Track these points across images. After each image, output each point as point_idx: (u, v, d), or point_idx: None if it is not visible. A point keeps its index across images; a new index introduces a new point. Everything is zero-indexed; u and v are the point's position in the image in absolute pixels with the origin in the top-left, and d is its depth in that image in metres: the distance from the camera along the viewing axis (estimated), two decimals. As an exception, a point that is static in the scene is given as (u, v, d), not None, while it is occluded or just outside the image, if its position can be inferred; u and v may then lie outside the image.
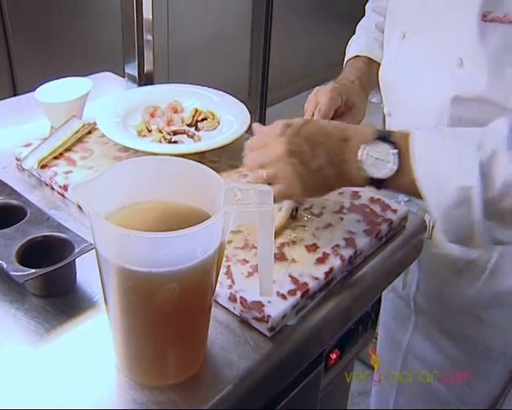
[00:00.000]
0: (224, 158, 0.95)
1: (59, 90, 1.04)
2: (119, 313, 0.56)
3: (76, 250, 0.68)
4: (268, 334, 0.65)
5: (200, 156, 0.91)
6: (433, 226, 0.96)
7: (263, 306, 0.65)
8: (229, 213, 0.54)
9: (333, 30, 3.97)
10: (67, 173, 0.88)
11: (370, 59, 1.05)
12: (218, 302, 0.68)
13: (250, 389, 0.61)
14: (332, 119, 0.92)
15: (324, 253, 0.75)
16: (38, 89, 1.03)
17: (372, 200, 0.86)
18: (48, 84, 1.05)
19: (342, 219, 0.81)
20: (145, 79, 1.28)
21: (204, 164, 0.58)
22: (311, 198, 0.84)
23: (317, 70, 3.87)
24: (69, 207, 0.84)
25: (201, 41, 2.87)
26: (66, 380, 0.59)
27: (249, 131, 1.00)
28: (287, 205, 0.82)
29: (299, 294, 0.68)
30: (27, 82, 1.29)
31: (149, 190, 0.59)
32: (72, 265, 0.69)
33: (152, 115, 1.04)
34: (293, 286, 0.69)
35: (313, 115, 0.92)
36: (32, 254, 0.68)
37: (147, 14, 1.22)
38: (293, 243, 0.76)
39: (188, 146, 0.97)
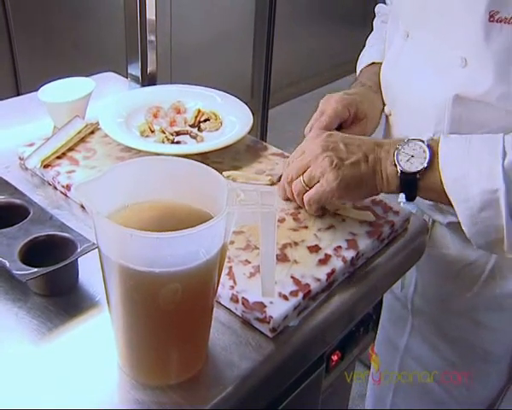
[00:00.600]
0: (227, 159, 0.95)
1: (62, 90, 1.04)
2: (122, 312, 0.56)
3: (78, 250, 0.68)
4: (269, 335, 0.65)
5: (202, 157, 0.91)
6: (432, 227, 0.97)
7: (265, 307, 0.65)
8: (232, 214, 0.54)
9: (335, 32, 3.98)
10: (70, 173, 0.88)
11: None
12: (219, 303, 0.68)
13: (251, 390, 0.61)
14: (339, 130, 0.90)
15: (326, 254, 0.75)
16: (41, 89, 1.03)
17: (374, 201, 0.86)
18: (51, 83, 1.05)
19: (344, 220, 0.81)
20: (148, 80, 1.28)
21: (207, 165, 0.59)
22: (345, 200, 0.83)
23: (319, 71, 3.88)
24: (72, 206, 0.84)
25: (204, 42, 2.87)
26: (67, 379, 0.59)
27: (251, 132, 1.00)
28: None
29: (300, 295, 0.68)
30: (30, 82, 1.29)
31: (152, 190, 0.59)
32: (74, 264, 0.69)
33: (155, 116, 1.05)
34: (294, 287, 0.69)
35: (314, 122, 0.91)
36: (35, 253, 0.68)
37: (150, 14, 1.22)
38: (296, 243, 0.76)
39: (190, 147, 0.97)
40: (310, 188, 0.78)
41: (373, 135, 0.96)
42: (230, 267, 0.71)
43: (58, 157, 0.92)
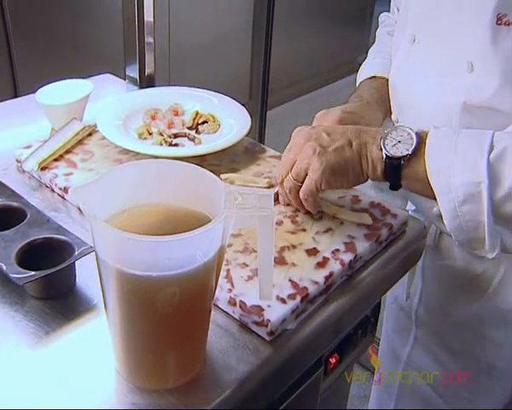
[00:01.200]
0: (225, 161, 0.95)
1: (59, 92, 1.04)
2: (119, 316, 0.56)
3: (76, 253, 0.68)
4: (267, 338, 0.65)
5: (200, 159, 0.91)
6: (439, 237, 0.95)
7: (262, 310, 0.65)
8: (230, 217, 0.54)
9: (333, 33, 3.98)
10: (68, 175, 0.88)
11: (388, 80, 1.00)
12: (217, 306, 0.68)
13: (249, 393, 0.61)
14: None
15: (324, 257, 0.75)
16: (39, 91, 1.03)
17: (372, 204, 0.86)
18: (48, 85, 1.05)
19: (342, 223, 0.81)
20: (146, 82, 1.28)
21: (204, 167, 0.58)
22: (333, 188, 0.82)
23: (317, 72, 3.88)
24: (69, 209, 0.84)
25: (202, 43, 2.87)
26: (64, 383, 0.59)
27: (250, 133, 1.00)
28: None
29: (298, 298, 0.67)
30: (28, 83, 1.29)
31: (150, 193, 0.59)
32: (71, 267, 0.69)
33: (153, 118, 1.04)
34: (292, 290, 0.68)
35: None
36: (32, 256, 0.68)
37: (148, 16, 1.22)
38: (293, 247, 0.76)
39: (188, 149, 0.97)
40: (300, 183, 0.77)
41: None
42: (228, 270, 0.71)
43: (55, 159, 0.92)
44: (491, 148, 0.69)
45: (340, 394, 0.98)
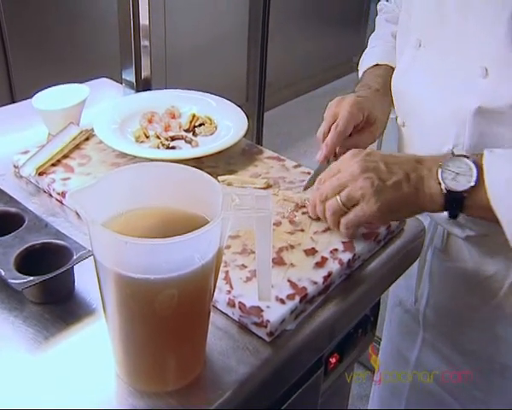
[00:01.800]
0: (222, 163, 0.95)
1: (56, 97, 1.04)
2: (118, 319, 0.56)
3: (74, 257, 0.68)
4: (267, 339, 0.65)
5: (197, 162, 0.91)
6: (447, 239, 0.95)
7: (261, 311, 0.65)
8: (227, 219, 0.54)
9: (329, 33, 3.99)
10: (65, 180, 0.88)
11: (392, 67, 0.99)
12: (216, 308, 0.68)
13: (249, 395, 0.61)
14: (350, 135, 0.87)
15: (323, 257, 0.75)
16: (35, 96, 1.03)
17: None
18: (45, 91, 1.05)
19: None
20: (142, 85, 1.28)
21: (202, 169, 0.58)
22: (385, 223, 0.81)
23: (313, 73, 3.89)
24: (67, 213, 0.84)
25: (198, 46, 2.88)
26: (64, 387, 0.59)
27: (247, 135, 1.00)
28: None
29: (297, 298, 0.68)
30: (25, 89, 1.29)
31: (147, 196, 0.59)
32: (70, 272, 0.69)
33: (149, 121, 1.04)
34: (291, 291, 0.69)
35: (327, 127, 0.88)
36: (31, 261, 0.68)
37: (144, 20, 1.22)
38: (292, 247, 0.76)
39: (185, 152, 0.97)
40: (346, 208, 0.74)
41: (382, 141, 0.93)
42: (227, 272, 0.71)
43: (53, 164, 0.92)
44: None
45: (340, 394, 0.98)
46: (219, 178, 0.89)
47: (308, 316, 0.69)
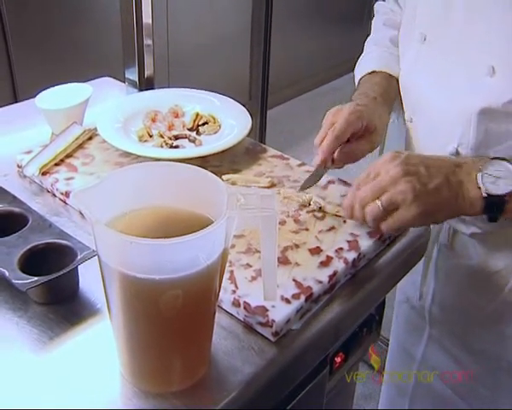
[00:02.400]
0: (226, 162, 0.95)
1: (59, 97, 1.04)
2: (122, 320, 0.56)
3: (78, 257, 0.68)
4: (272, 339, 0.64)
5: (201, 161, 0.91)
6: (453, 236, 0.94)
7: (267, 310, 0.65)
8: (233, 219, 0.54)
9: (332, 32, 3.98)
10: (69, 180, 0.88)
11: (389, 74, 0.98)
12: (221, 307, 0.68)
13: (255, 395, 0.61)
14: (347, 141, 0.86)
15: (328, 256, 0.74)
16: (39, 95, 1.03)
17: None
18: (48, 90, 1.05)
19: (345, 221, 0.81)
20: (145, 84, 1.27)
21: (205, 168, 0.58)
22: (424, 226, 0.80)
23: (316, 72, 3.88)
24: (71, 213, 0.84)
25: (201, 45, 2.87)
26: (69, 387, 0.59)
27: (250, 134, 1.00)
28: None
29: (302, 298, 0.67)
30: (28, 88, 1.29)
31: (151, 195, 0.59)
32: (74, 272, 0.69)
33: (153, 120, 1.04)
34: (296, 290, 0.68)
35: (324, 134, 0.85)
36: (35, 261, 0.68)
37: (146, 18, 1.21)
38: (297, 246, 0.76)
39: (189, 151, 0.96)
40: (387, 211, 0.73)
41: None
42: (232, 271, 0.70)
43: (56, 164, 0.91)
44: None
45: (345, 393, 0.98)
46: (223, 177, 0.88)
47: (313, 315, 0.69)
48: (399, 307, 1.13)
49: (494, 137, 0.78)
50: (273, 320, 0.64)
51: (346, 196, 0.79)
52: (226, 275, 0.69)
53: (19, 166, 0.93)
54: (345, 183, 0.91)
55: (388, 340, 1.20)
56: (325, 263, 0.73)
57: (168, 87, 1.16)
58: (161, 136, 0.99)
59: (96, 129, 0.99)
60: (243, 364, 0.61)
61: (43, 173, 0.89)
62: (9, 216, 0.77)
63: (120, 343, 0.58)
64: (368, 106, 0.89)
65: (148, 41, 1.24)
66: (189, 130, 1.03)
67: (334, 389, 0.86)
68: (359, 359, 0.92)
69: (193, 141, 1.00)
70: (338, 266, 0.73)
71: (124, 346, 0.58)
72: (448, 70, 0.82)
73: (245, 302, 0.66)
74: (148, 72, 1.27)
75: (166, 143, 0.97)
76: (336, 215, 0.82)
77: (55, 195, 0.88)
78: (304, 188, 0.86)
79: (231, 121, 1.03)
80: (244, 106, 1.07)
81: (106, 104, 1.10)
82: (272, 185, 0.89)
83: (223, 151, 0.94)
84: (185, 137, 1.01)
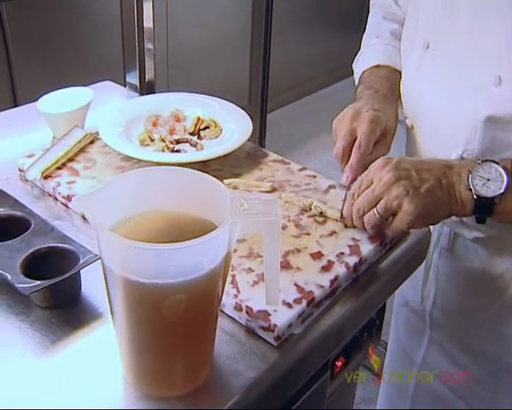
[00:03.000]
0: (227, 166, 0.95)
1: (61, 101, 1.04)
2: (126, 324, 0.56)
3: (81, 261, 0.68)
4: (274, 343, 0.65)
5: (202, 165, 0.91)
6: (453, 239, 0.94)
7: (269, 315, 0.65)
8: (236, 224, 0.54)
9: (331, 35, 3.99)
10: (71, 184, 0.88)
11: (394, 69, 0.97)
12: (223, 312, 0.68)
13: (257, 399, 0.61)
14: None
15: (329, 261, 0.74)
16: (40, 99, 1.03)
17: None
18: (49, 94, 1.05)
19: (346, 226, 0.81)
20: (146, 88, 1.28)
21: (207, 173, 0.58)
22: (422, 227, 0.80)
23: (316, 76, 3.89)
24: (73, 217, 0.84)
25: (201, 48, 2.88)
26: (71, 392, 0.59)
27: (252, 139, 1.00)
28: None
29: (304, 302, 0.67)
30: (28, 92, 1.29)
31: (155, 200, 0.59)
32: (77, 276, 0.69)
33: (154, 124, 1.04)
34: (298, 295, 0.68)
35: (346, 144, 0.83)
36: (37, 265, 0.68)
37: (148, 22, 1.22)
38: (298, 250, 0.76)
39: (190, 155, 0.97)
40: (384, 218, 0.74)
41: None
42: (234, 276, 0.71)
43: (58, 168, 0.92)
44: None
45: (346, 397, 0.98)
46: (225, 181, 0.89)
47: (315, 320, 0.69)
48: (399, 311, 1.13)
49: (500, 144, 0.78)
50: (275, 325, 0.64)
51: (344, 204, 0.80)
52: (228, 279, 0.69)
53: (20, 170, 0.93)
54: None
55: (386, 343, 1.20)
56: (326, 268, 0.73)
57: (167, 91, 1.17)
58: (163, 140, 0.99)
59: (97, 133, 0.99)
60: (245, 368, 0.62)
61: (45, 177, 0.89)
62: (11, 220, 0.77)
63: (123, 347, 0.58)
64: (384, 110, 0.87)
65: (149, 45, 1.25)
66: (191, 134, 1.03)
67: (334, 393, 0.86)
68: (360, 363, 0.92)
69: (194, 145, 1.00)
70: (339, 270, 0.73)
71: (126, 350, 0.58)
72: (452, 78, 0.82)
73: (247, 307, 0.66)
74: (148, 76, 1.28)
75: (168, 148, 0.97)
76: (337, 220, 0.82)
77: (56, 199, 0.88)
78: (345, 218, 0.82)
79: (232, 126, 1.04)
80: (243, 109, 1.07)
81: (107, 108, 1.10)
82: (273, 190, 0.89)
83: (224, 156, 0.94)
84: (186, 141, 1.01)
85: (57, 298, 0.68)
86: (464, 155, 0.81)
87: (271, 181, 0.91)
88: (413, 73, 0.90)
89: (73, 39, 2.26)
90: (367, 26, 1.08)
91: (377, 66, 0.98)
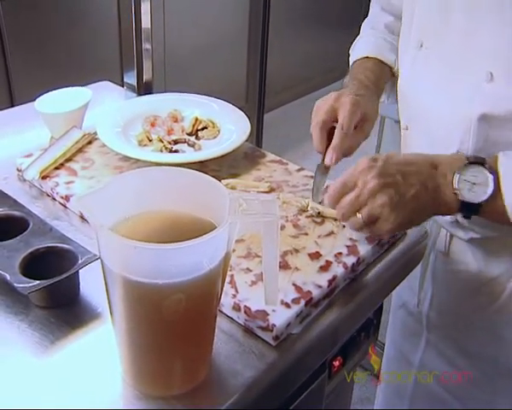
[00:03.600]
0: (225, 167, 0.95)
1: (59, 101, 1.04)
2: (125, 323, 0.56)
3: (79, 261, 0.68)
4: (272, 343, 0.65)
5: (200, 165, 0.92)
6: (450, 242, 0.95)
7: (267, 315, 0.65)
8: (235, 224, 0.54)
9: (328, 36, 3.99)
10: (69, 184, 0.88)
11: (381, 61, 0.99)
12: (221, 312, 0.68)
13: (255, 399, 0.61)
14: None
15: (327, 261, 0.75)
16: (38, 99, 1.03)
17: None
18: (48, 94, 1.05)
19: (344, 226, 0.81)
20: (144, 88, 1.28)
21: (204, 173, 0.59)
22: (405, 230, 0.82)
23: (313, 75, 3.90)
24: (71, 217, 0.84)
25: (198, 48, 2.88)
26: (70, 391, 0.59)
27: (249, 139, 1.00)
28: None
29: (302, 302, 0.68)
30: (25, 92, 1.29)
31: (153, 200, 0.59)
32: (75, 276, 0.69)
33: (152, 125, 1.05)
34: (296, 295, 0.69)
35: (327, 118, 0.85)
36: (36, 265, 0.68)
37: (145, 23, 1.22)
38: (296, 251, 0.76)
39: (188, 155, 0.97)
40: (368, 223, 0.73)
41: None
42: (232, 276, 0.71)
43: (56, 168, 0.92)
44: None
45: (343, 397, 0.98)
46: (222, 181, 0.89)
47: (313, 320, 0.69)
48: (396, 313, 1.13)
49: (494, 143, 0.78)
50: (273, 325, 0.64)
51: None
52: (226, 279, 0.70)
53: (19, 170, 0.93)
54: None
55: (383, 344, 1.20)
56: (325, 268, 0.74)
57: (164, 91, 1.17)
58: (161, 140, 0.99)
59: (95, 133, 0.99)
60: (244, 368, 0.62)
61: (43, 177, 0.89)
62: (10, 220, 0.77)
63: (122, 346, 0.58)
64: (364, 96, 0.89)
65: (146, 46, 1.25)
66: (189, 134, 1.03)
67: (332, 393, 0.86)
68: (357, 363, 0.92)
69: (192, 145, 1.00)
70: (337, 270, 0.73)
71: (125, 349, 0.58)
72: (446, 76, 0.83)
73: (245, 307, 0.66)
74: (146, 76, 1.28)
75: (166, 148, 0.97)
76: (335, 220, 0.82)
77: (55, 199, 0.88)
78: (317, 197, 0.86)
79: (230, 126, 1.04)
80: (241, 109, 1.07)
81: (105, 108, 1.10)
82: (271, 190, 0.89)
83: (222, 156, 0.94)
84: (184, 141, 1.01)
85: (56, 298, 0.68)
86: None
87: (269, 181, 0.91)
88: (408, 73, 0.91)
89: (71, 39, 2.26)
90: (369, 12, 1.10)
91: (366, 57, 1.00)
